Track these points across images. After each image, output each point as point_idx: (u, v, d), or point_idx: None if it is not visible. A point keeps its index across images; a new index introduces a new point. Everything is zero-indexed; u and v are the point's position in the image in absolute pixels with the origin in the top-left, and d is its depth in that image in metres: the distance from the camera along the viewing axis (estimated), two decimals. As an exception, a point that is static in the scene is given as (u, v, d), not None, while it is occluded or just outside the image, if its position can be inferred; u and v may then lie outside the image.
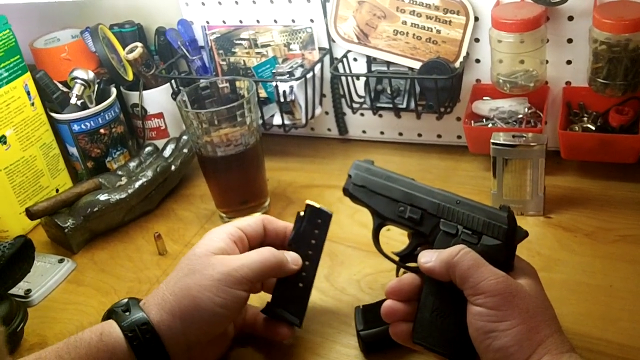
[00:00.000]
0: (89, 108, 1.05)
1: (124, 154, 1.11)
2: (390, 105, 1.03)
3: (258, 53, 1.10)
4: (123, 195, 0.97)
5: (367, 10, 1.00)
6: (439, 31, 0.97)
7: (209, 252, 0.66)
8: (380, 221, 0.68)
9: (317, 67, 1.05)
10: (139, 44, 1.10)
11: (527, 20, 0.87)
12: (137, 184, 0.99)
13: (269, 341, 0.74)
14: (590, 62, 0.88)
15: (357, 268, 0.84)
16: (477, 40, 0.97)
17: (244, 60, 1.11)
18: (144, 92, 1.12)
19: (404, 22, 0.98)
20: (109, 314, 0.65)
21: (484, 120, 0.98)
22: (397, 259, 0.68)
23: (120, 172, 1.04)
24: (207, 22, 1.13)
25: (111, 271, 0.92)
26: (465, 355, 0.57)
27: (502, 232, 0.61)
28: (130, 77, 1.14)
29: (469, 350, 0.57)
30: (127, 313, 0.63)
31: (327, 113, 1.14)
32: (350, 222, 0.93)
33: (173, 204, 1.05)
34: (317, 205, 0.72)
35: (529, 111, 0.95)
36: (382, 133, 1.13)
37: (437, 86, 0.95)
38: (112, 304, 0.67)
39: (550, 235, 0.84)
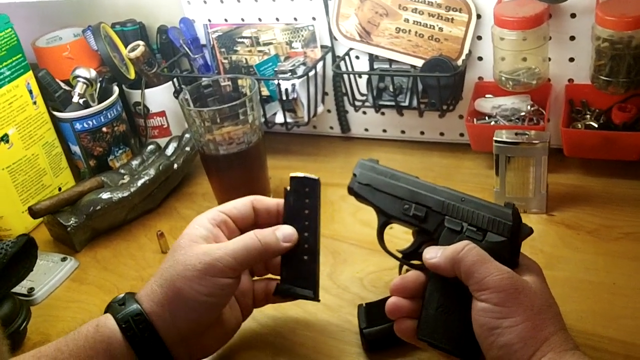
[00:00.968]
0: (91, 107, 1.05)
1: (126, 152, 1.11)
2: (393, 103, 1.03)
3: (260, 51, 1.10)
4: (125, 194, 0.97)
5: (369, 8, 1.00)
6: (441, 29, 0.96)
7: (191, 242, 0.65)
8: (384, 219, 0.68)
9: (319, 65, 1.05)
10: (141, 43, 1.10)
11: (530, 18, 0.86)
12: (139, 183, 0.99)
13: (272, 338, 0.74)
14: (592, 59, 0.87)
15: (360, 266, 0.84)
16: (479, 37, 0.96)
17: (246, 59, 1.11)
18: (146, 91, 1.12)
19: (406, 20, 0.98)
20: (107, 309, 0.66)
21: (487, 117, 0.98)
22: (401, 256, 0.68)
23: (122, 171, 1.04)
24: (209, 21, 1.13)
25: (114, 269, 0.92)
26: (470, 351, 0.57)
27: (507, 228, 0.61)
28: (132, 75, 1.14)
29: (474, 347, 0.57)
30: (123, 306, 0.63)
31: (329, 111, 1.14)
32: (353, 220, 0.93)
33: (175, 202, 1.05)
34: (301, 174, 0.70)
35: (532, 109, 0.95)
36: (384, 131, 1.13)
37: (440, 84, 0.95)
38: (114, 302, 0.67)
39: (553, 232, 0.84)
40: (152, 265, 0.91)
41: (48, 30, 1.22)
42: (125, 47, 1.12)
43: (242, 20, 1.11)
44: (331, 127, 1.17)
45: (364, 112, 1.11)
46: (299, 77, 1.01)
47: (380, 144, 1.12)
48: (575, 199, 0.89)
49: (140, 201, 1.00)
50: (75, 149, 1.08)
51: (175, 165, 1.05)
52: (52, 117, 1.06)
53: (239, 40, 1.10)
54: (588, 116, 0.94)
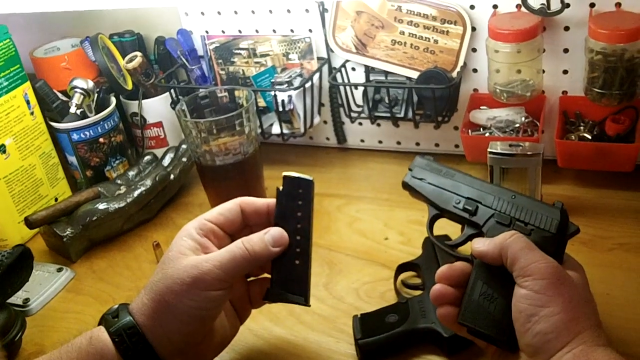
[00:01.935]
0: (88, 117, 1.05)
1: (123, 162, 1.11)
2: (389, 115, 1.03)
3: (257, 62, 1.10)
4: (122, 204, 0.97)
5: (365, 21, 1.01)
6: (436, 41, 0.97)
7: (179, 254, 0.64)
8: (435, 212, 0.69)
9: (316, 77, 1.06)
10: (139, 54, 1.10)
11: (524, 31, 0.87)
12: (136, 193, 0.99)
13: (267, 349, 0.74)
14: (586, 71, 0.88)
15: (355, 277, 0.84)
16: (474, 50, 0.97)
17: (243, 70, 1.12)
18: (144, 101, 1.13)
19: (402, 32, 0.99)
20: (101, 321, 0.66)
21: (482, 129, 0.98)
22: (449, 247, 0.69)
23: (119, 181, 1.04)
24: (207, 32, 1.14)
25: (110, 280, 0.92)
26: (508, 339, 0.58)
27: (554, 225, 0.62)
28: (129, 86, 1.15)
29: (512, 335, 0.58)
30: (116, 319, 0.63)
31: (325, 122, 1.15)
32: (349, 230, 0.94)
33: (172, 212, 1.05)
34: (295, 175, 0.67)
35: (526, 120, 0.96)
36: (380, 142, 1.13)
37: (435, 95, 0.96)
38: (110, 313, 0.67)
39: (548, 243, 0.84)
40: (148, 275, 0.89)
41: (46, 40, 1.22)
42: (123, 57, 1.13)
43: (240, 31, 1.12)
44: (327, 138, 1.17)
45: (360, 123, 1.12)
46: (296, 89, 1.01)
47: (376, 155, 1.13)
48: (569, 209, 0.88)
49: (136, 212, 1.00)
50: (72, 159, 1.08)
51: (172, 176, 1.05)
52: (49, 127, 1.06)
53: (236, 51, 1.11)
54: (582, 128, 0.94)
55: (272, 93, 1.02)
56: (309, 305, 0.67)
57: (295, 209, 0.67)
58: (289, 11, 1.06)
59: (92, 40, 1.12)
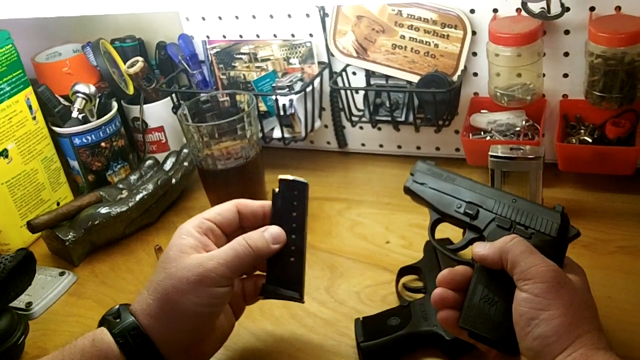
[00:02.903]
0: (90, 122, 1.05)
1: (124, 167, 1.11)
2: (389, 119, 1.04)
3: (258, 67, 1.11)
4: (124, 209, 0.98)
5: (366, 25, 1.01)
6: (436, 45, 0.98)
7: (181, 253, 0.65)
8: (437, 217, 0.69)
9: (317, 81, 1.06)
10: (140, 59, 1.11)
11: (524, 34, 0.88)
12: (137, 197, 1.00)
13: (269, 352, 0.74)
14: (586, 75, 0.89)
15: (356, 280, 0.84)
16: (474, 54, 0.98)
17: (244, 75, 1.12)
18: (145, 106, 1.13)
19: (402, 37, 0.99)
20: (102, 322, 0.66)
21: (482, 133, 0.99)
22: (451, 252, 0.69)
23: (121, 186, 1.04)
24: (208, 37, 1.14)
25: (112, 284, 0.92)
26: (509, 342, 0.58)
27: (554, 228, 0.63)
28: (131, 91, 1.15)
29: (513, 339, 0.58)
30: (118, 320, 0.64)
31: (326, 126, 1.15)
32: (350, 234, 0.94)
33: (173, 216, 1.05)
34: (290, 177, 0.71)
35: (527, 124, 0.96)
36: (381, 146, 1.13)
37: (436, 99, 0.96)
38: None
39: (549, 246, 0.84)
40: (150, 279, 0.91)
41: (48, 46, 1.23)
42: (124, 62, 1.13)
43: (240, 36, 1.12)
44: (328, 142, 1.17)
45: (361, 127, 1.12)
46: (297, 93, 1.02)
47: (377, 159, 1.13)
48: (570, 213, 0.88)
49: (138, 216, 1.00)
50: (74, 163, 1.08)
51: (174, 180, 1.05)
52: (51, 132, 1.07)
53: (237, 56, 1.11)
54: (582, 131, 0.94)
55: (273, 97, 1.02)
56: (303, 302, 0.70)
57: (291, 209, 0.70)
58: (289, 16, 1.07)
59: (94, 45, 1.12)
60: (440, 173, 0.71)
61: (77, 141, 1.05)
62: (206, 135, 0.89)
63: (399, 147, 1.12)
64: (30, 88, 1.03)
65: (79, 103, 1.04)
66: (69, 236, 0.95)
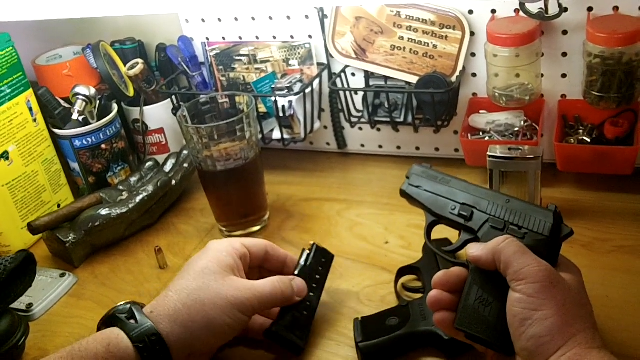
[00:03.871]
0: (90, 124, 1.06)
1: (125, 169, 1.11)
2: (388, 119, 1.04)
3: (257, 69, 1.11)
4: (124, 210, 0.98)
5: (365, 26, 1.01)
6: (435, 46, 0.98)
7: (223, 271, 0.68)
8: (433, 219, 0.70)
9: (316, 82, 1.07)
10: (140, 61, 1.11)
11: (522, 35, 0.88)
12: (138, 199, 1.00)
13: (268, 351, 0.75)
14: (584, 75, 0.89)
15: (356, 280, 0.85)
16: (473, 54, 0.98)
17: (243, 76, 1.13)
18: (145, 108, 1.13)
19: (401, 38, 1.00)
20: (109, 319, 0.66)
21: (481, 133, 0.99)
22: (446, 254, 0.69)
23: (121, 187, 1.05)
24: (207, 39, 1.14)
25: (112, 285, 0.92)
26: (504, 343, 0.58)
27: (547, 227, 0.63)
28: (131, 93, 1.16)
29: (508, 339, 0.58)
30: (133, 321, 0.64)
31: (325, 127, 1.16)
32: (350, 235, 0.94)
33: (173, 218, 1.06)
34: (322, 246, 0.80)
35: (525, 124, 0.96)
36: (380, 147, 1.14)
37: (434, 100, 0.96)
38: (112, 315, 0.68)
39: (548, 246, 0.84)
40: (150, 280, 0.91)
41: (48, 48, 1.23)
42: (125, 65, 1.14)
43: (240, 38, 1.12)
44: (328, 143, 1.18)
45: (360, 128, 1.12)
46: (296, 94, 1.02)
47: (377, 160, 1.13)
48: (569, 213, 0.90)
49: (138, 217, 1.00)
50: (75, 165, 1.09)
51: (174, 182, 1.06)
52: (52, 134, 1.07)
53: (237, 58, 1.12)
54: (581, 131, 0.95)
55: (273, 99, 1.03)
56: (300, 354, 0.73)
57: (316, 271, 0.78)
58: (288, 17, 1.07)
59: (94, 47, 1.13)
60: (435, 175, 0.71)
61: (77, 143, 1.06)
62: (206, 137, 0.90)
63: (398, 147, 1.12)
64: (30, 90, 1.03)
65: (79, 105, 1.04)
66: (70, 238, 0.95)
